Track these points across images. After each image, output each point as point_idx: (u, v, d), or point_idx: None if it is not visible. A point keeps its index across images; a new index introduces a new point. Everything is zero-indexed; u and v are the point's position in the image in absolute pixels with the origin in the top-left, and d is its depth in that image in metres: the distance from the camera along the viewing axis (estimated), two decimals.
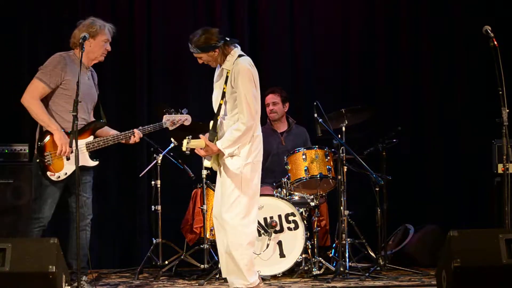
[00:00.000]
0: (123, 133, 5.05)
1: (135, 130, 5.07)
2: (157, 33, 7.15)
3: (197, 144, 4.49)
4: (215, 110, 4.61)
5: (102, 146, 4.99)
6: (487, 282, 4.09)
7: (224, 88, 4.52)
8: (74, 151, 4.40)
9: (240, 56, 4.53)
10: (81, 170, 4.84)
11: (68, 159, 4.86)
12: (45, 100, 4.92)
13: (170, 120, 5.21)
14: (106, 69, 7.07)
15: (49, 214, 4.91)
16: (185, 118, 5.29)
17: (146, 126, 5.15)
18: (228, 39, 4.55)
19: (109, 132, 5.12)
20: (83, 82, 4.87)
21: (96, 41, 5.01)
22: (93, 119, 5.14)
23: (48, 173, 4.85)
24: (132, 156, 6.96)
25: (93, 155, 5.00)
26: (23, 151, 6.07)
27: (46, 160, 4.84)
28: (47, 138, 4.86)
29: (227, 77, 4.51)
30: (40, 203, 4.89)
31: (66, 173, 4.87)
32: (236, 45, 4.60)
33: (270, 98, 6.48)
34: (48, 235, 4.82)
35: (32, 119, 4.96)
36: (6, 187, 5.97)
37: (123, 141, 5.08)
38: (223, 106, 4.55)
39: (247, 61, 4.52)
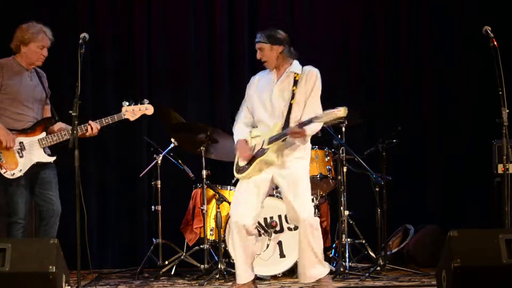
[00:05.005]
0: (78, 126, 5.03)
1: (90, 122, 5.03)
2: (157, 33, 7.15)
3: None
4: (276, 110, 4.65)
5: (57, 141, 4.99)
6: (487, 282, 4.09)
7: (294, 90, 4.62)
8: (74, 150, 4.41)
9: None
10: (39, 166, 4.95)
11: (21, 156, 4.89)
12: None
13: (129, 111, 5.11)
14: (106, 69, 7.09)
15: (25, 213, 4.95)
16: (145, 108, 5.16)
17: (103, 118, 5.07)
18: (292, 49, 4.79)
19: (56, 128, 5.12)
20: (24, 84, 5.00)
21: (28, 47, 5.02)
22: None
23: (2, 171, 4.88)
24: (132, 156, 6.96)
25: (50, 151, 5.02)
26: None
27: None
28: None
29: (296, 80, 4.65)
30: (12, 205, 4.92)
31: (21, 170, 4.91)
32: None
33: None
34: (25, 233, 4.91)
35: None
36: None
37: (79, 134, 5.04)
38: (294, 106, 4.62)
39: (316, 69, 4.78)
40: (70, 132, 4.93)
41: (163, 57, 7.16)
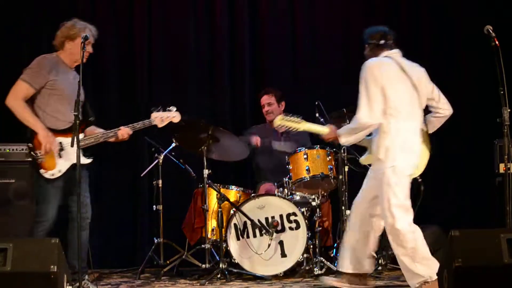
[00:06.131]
0: (111, 130, 5.05)
1: (122, 127, 5.07)
2: (157, 33, 7.15)
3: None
4: None
5: (93, 143, 5.01)
6: (489, 282, 4.08)
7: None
8: (76, 150, 4.41)
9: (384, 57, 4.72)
10: (75, 168, 4.87)
11: (60, 156, 4.87)
12: (37, 102, 4.95)
13: (159, 117, 5.22)
14: (107, 69, 7.09)
15: (54, 216, 4.91)
16: (173, 115, 5.29)
17: (134, 123, 5.14)
18: (383, 43, 4.80)
19: (94, 131, 5.13)
20: (69, 82, 4.97)
21: (75, 43, 5.02)
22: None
23: (42, 171, 4.86)
24: (134, 155, 6.96)
25: (86, 153, 5.01)
26: (24, 151, 6.05)
27: (38, 158, 4.85)
28: (35, 137, 4.88)
29: None
30: (44, 206, 4.88)
31: (60, 171, 4.89)
32: (391, 51, 4.81)
33: (265, 99, 6.51)
34: (49, 235, 4.87)
35: None
36: (8, 187, 5.95)
37: (113, 139, 5.07)
38: None
39: (373, 60, 4.68)
40: (104, 135, 4.98)
41: (163, 57, 7.15)
